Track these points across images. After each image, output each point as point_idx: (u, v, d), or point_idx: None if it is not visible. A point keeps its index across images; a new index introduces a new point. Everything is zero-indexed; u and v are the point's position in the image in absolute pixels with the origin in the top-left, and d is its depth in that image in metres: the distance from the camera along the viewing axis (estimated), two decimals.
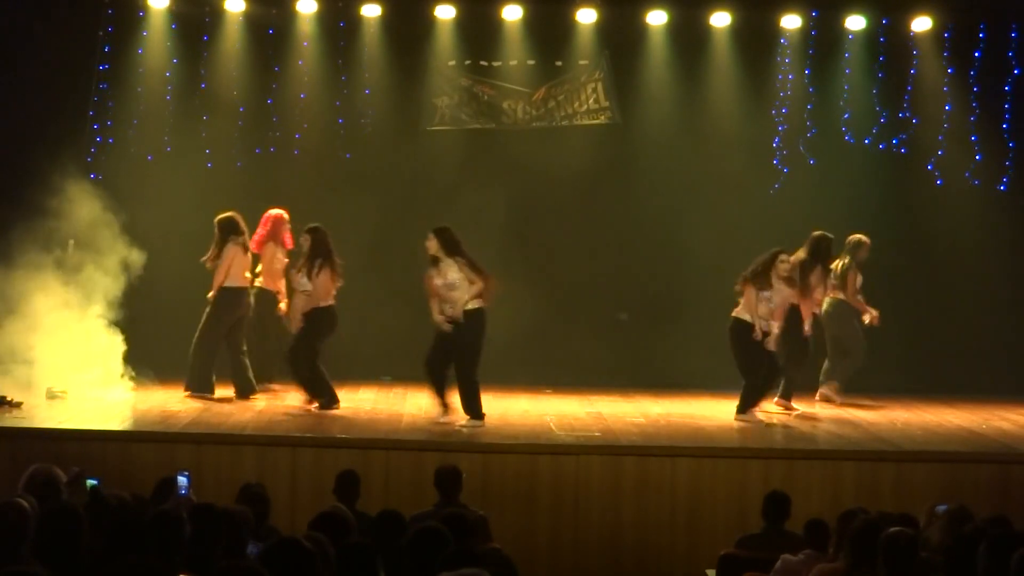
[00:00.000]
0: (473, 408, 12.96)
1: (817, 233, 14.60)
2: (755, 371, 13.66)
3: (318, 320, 13.61)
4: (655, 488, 11.75)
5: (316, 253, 13.62)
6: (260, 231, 14.65)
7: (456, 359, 13.01)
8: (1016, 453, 12.40)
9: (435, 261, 12.95)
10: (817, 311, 14.57)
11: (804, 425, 13.66)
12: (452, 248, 12.93)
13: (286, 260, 14.66)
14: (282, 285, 14.71)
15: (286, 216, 14.74)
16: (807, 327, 14.28)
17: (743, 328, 13.66)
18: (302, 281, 13.59)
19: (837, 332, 15.14)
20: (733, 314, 13.79)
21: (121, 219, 14.53)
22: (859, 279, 15.16)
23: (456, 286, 12.85)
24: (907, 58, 16.76)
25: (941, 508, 8.90)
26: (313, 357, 13.66)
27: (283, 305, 14.66)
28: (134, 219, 14.70)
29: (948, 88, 16.76)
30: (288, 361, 13.72)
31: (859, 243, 15.16)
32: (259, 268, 14.71)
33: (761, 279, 13.70)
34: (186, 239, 14.93)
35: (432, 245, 12.97)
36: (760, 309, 13.62)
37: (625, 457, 11.85)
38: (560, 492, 11.72)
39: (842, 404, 14.95)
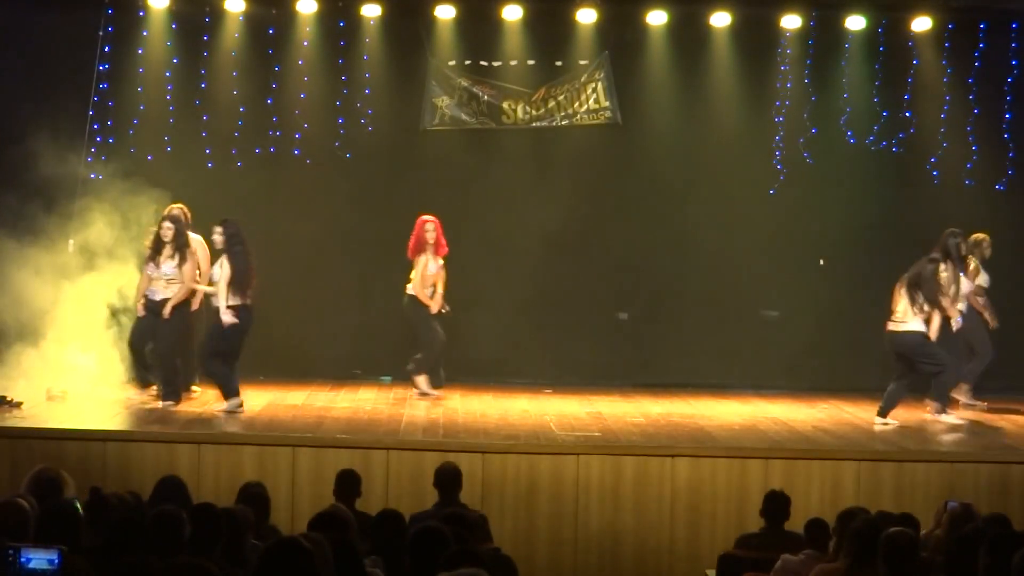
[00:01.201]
0: (229, 389, 13.33)
1: (946, 231, 14.22)
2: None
3: (184, 313, 13.81)
4: (655, 488, 11.74)
5: (180, 243, 13.73)
6: (412, 238, 14.89)
7: (206, 343, 13.54)
8: (1016, 453, 12.40)
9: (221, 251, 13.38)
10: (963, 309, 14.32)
11: (804, 425, 13.66)
12: (230, 243, 13.35)
13: (439, 265, 14.80)
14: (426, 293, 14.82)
15: (431, 221, 14.81)
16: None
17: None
18: (167, 270, 13.67)
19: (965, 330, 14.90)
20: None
21: (121, 219, 14.56)
22: (981, 277, 15.02)
23: (217, 280, 13.40)
24: (907, 58, 16.75)
25: (953, 505, 8.88)
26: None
27: (434, 308, 14.80)
28: (134, 219, 14.71)
29: (947, 88, 16.75)
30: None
31: (978, 241, 15.03)
32: (412, 275, 14.87)
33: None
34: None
35: (218, 239, 13.38)
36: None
37: (625, 457, 11.83)
38: (560, 492, 11.71)
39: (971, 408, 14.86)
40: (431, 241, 14.75)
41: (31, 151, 14.75)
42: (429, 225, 14.77)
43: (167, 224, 13.71)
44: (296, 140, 16.51)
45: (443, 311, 14.88)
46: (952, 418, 13.73)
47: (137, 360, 13.88)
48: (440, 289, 14.85)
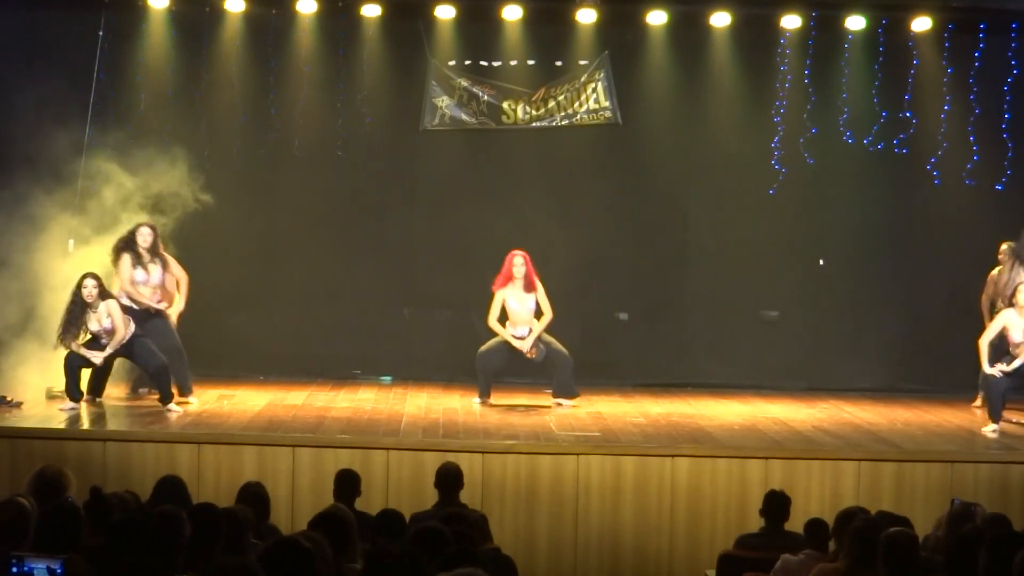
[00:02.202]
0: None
1: None
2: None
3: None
4: (655, 488, 11.74)
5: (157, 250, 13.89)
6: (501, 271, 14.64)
7: None
8: (1016, 453, 12.39)
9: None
10: None
11: (804, 425, 13.66)
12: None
13: (527, 302, 14.43)
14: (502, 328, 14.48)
15: (520, 255, 14.53)
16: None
17: None
18: (156, 278, 13.80)
19: None
20: None
21: (121, 219, 14.57)
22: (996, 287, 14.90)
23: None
24: (907, 58, 16.73)
25: (957, 503, 8.87)
26: None
27: (522, 347, 14.42)
28: (134, 219, 14.72)
29: (947, 88, 16.74)
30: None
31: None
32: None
33: None
34: (183, 240, 14.91)
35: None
36: None
37: (625, 457, 11.83)
38: (560, 492, 11.71)
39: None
40: (518, 276, 14.46)
41: (30, 151, 14.79)
42: (518, 259, 14.45)
43: (146, 230, 13.75)
44: (296, 140, 16.49)
45: (532, 356, 14.51)
46: (988, 429, 13.42)
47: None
48: (536, 330, 14.46)
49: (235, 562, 6.07)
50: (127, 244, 13.74)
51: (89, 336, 13.25)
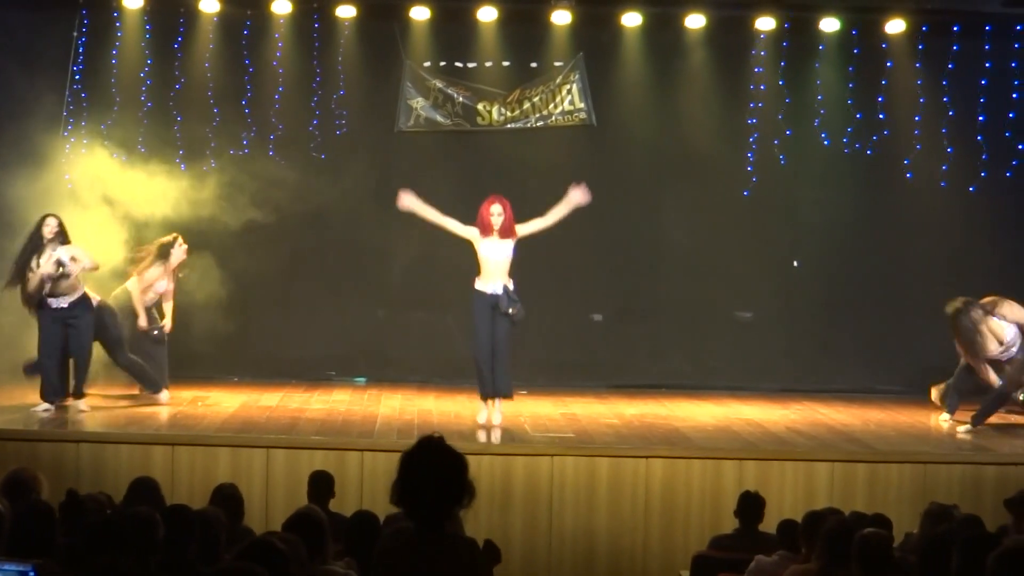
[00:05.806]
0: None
1: None
2: None
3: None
4: (629, 489, 11.76)
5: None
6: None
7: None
8: (989, 454, 12.44)
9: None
10: None
11: (777, 427, 13.70)
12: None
13: (503, 251, 13.09)
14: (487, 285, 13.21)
15: (497, 202, 13.10)
16: None
17: None
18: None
19: None
20: None
21: (94, 220, 14.54)
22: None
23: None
24: (881, 60, 16.78)
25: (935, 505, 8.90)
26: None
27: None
28: (107, 220, 14.68)
29: (921, 90, 16.78)
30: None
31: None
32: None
33: None
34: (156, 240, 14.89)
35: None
36: None
37: (599, 458, 11.85)
38: (534, 493, 11.72)
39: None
40: (496, 227, 12.95)
41: (4, 152, 14.73)
42: (496, 208, 13.02)
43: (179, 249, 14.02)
44: (270, 141, 16.47)
45: (512, 313, 13.06)
46: (963, 429, 13.66)
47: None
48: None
49: (242, 566, 6.06)
50: (164, 254, 13.87)
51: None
